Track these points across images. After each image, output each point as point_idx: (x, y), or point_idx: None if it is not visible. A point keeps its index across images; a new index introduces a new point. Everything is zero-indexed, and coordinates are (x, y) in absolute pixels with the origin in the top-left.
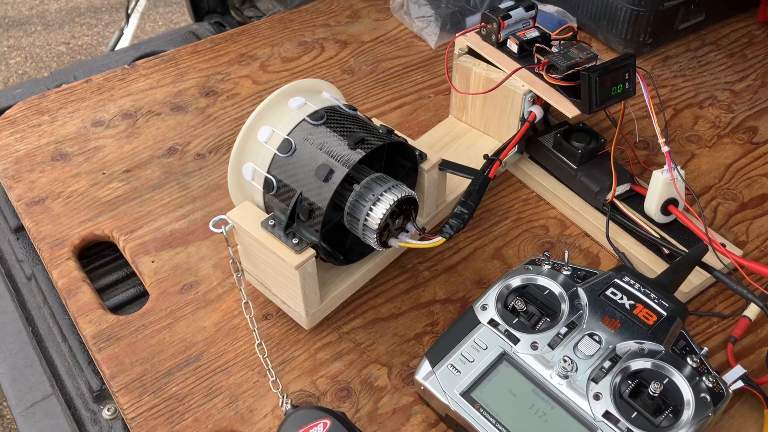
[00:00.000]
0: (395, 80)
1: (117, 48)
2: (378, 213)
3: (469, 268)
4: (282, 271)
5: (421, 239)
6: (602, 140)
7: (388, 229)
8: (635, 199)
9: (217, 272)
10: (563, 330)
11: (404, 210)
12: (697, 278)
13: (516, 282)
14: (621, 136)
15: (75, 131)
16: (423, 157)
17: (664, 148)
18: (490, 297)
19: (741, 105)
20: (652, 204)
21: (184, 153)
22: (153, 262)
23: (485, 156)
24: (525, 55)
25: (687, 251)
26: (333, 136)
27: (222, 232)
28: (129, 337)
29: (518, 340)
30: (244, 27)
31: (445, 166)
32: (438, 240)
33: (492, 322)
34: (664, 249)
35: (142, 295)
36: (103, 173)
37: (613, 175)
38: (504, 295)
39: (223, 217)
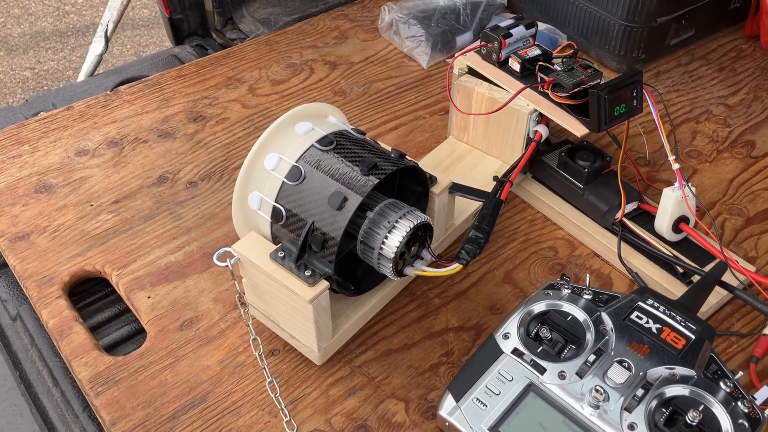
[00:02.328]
0: (388, 101)
1: (94, 74)
2: (394, 241)
3: (481, 293)
4: (293, 305)
5: (437, 266)
6: (608, 158)
7: (403, 258)
8: (643, 217)
9: (217, 306)
10: (591, 357)
11: (419, 237)
12: (713, 297)
13: (538, 308)
14: (624, 153)
15: (58, 161)
16: (433, 180)
17: (675, 165)
18: (512, 325)
19: (737, 119)
20: (664, 222)
21: (175, 181)
22: (149, 297)
23: (495, 178)
24: (527, 74)
25: (704, 270)
26: (344, 162)
27: (227, 266)
28: (128, 379)
29: (545, 370)
30: (229, 49)
31: (456, 189)
32: (455, 267)
33: (516, 352)
34: (678, 268)
35: (138, 333)
36: (91, 205)
37: (622, 194)
38: (526, 322)
39: (228, 249)
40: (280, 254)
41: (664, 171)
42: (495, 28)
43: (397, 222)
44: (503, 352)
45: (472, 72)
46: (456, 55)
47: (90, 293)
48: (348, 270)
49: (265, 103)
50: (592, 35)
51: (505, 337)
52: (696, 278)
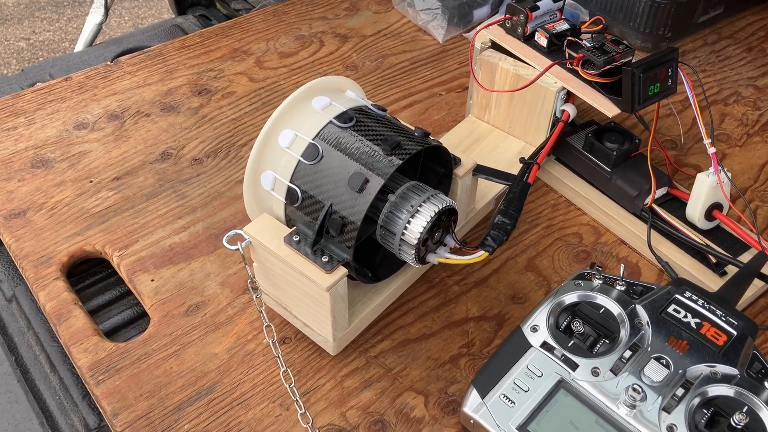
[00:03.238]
0: (402, 77)
1: (94, 44)
2: (417, 226)
3: (502, 281)
4: (308, 292)
5: (462, 254)
6: (636, 140)
7: (426, 244)
8: (673, 203)
9: (225, 291)
10: (627, 353)
11: (443, 222)
12: (748, 289)
13: (569, 299)
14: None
15: (56, 135)
16: (457, 161)
17: (711, 150)
18: (541, 317)
19: (767, 101)
20: (696, 209)
21: (179, 158)
22: (153, 280)
23: (521, 159)
24: (554, 50)
25: (738, 260)
26: (364, 141)
27: (239, 249)
28: (131, 367)
29: (577, 366)
30: (235, 20)
31: (479, 171)
32: (481, 254)
33: (545, 346)
34: (710, 257)
35: (140, 317)
36: (91, 181)
37: (652, 179)
38: (556, 314)
39: (238, 231)
40: (295, 238)
41: (692, 155)
42: (521, 0)
43: (420, 206)
44: (531, 346)
45: (495, 47)
46: (479, 28)
47: (90, 274)
48: (366, 256)
49: (273, 76)
50: (615, 11)
51: (534, 329)
52: (729, 269)
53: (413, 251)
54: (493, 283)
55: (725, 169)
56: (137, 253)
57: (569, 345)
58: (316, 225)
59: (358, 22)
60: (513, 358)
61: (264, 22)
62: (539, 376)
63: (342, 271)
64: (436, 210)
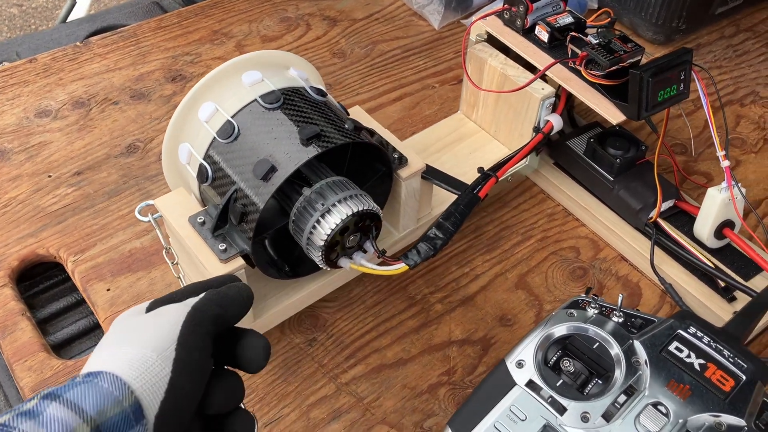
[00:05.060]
0: (394, 66)
1: (69, 19)
2: (326, 227)
3: (490, 299)
4: (206, 277)
5: (381, 264)
6: (643, 147)
7: (340, 246)
8: (679, 217)
9: None
10: (621, 398)
11: (364, 226)
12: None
13: (559, 332)
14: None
15: (15, 122)
16: (403, 161)
17: (724, 163)
18: (527, 351)
19: None
20: (706, 227)
21: (147, 152)
22: (108, 290)
23: (480, 169)
24: (555, 45)
25: (748, 286)
26: (285, 126)
27: (150, 221)
28: None
29: (565, 410)
30: None
31: (429, 174)
32: (399, 267)
33: (531, 385)
34: (719, 281)
35: (95, 328)
36: (49, 176)
37: (658, 191)
38: (544, 348)
39: (150, 203)
40: (200, 219)
41: (702, 161)
42: None
43: (334, 206)
44: (516, 384)
45: (491, 40)
46: (474, 18)
47: (44, 278)
48: (284, 247)
49: None
50: (626, 0)
51: (519, 365)
52: (739, 295)
53: (320, 253)
54: (479, 302)
55: (739, 185)
56: (94, 259)
57: (558, 384)
58: (219, 209)
59: (349, 3)
60: (495, 398)
61: (247, 2)
62: (523, 420)
63: (239, 262)
64: (350, 213)
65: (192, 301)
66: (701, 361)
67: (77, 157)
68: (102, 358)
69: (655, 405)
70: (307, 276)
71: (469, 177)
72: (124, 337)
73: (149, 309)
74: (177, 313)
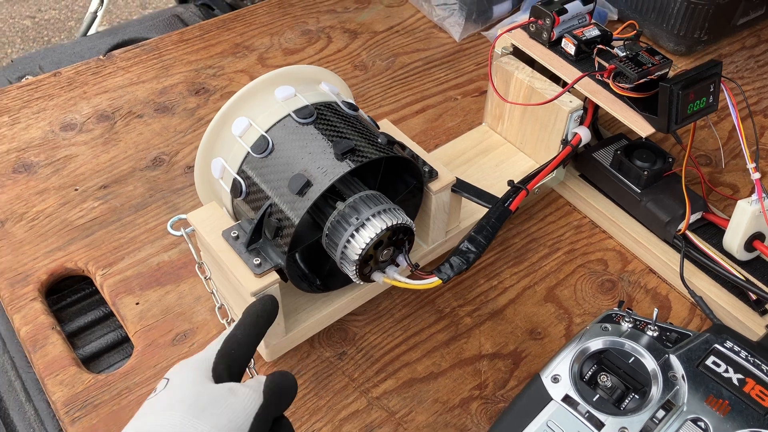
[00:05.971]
0: (415, 78)
1: (89, 33)
2: (360, 241)
3: (519, 313)
4: (240, 292)
5: (413, 277)
6: (670, 159)
7: (373, 260)
8: (708, 229)
9: (215, 318)
10: (660, 413)
11: (397, 240)
12: None
13: (594, 346)
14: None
15: (41, 136)
16: (433, 174)
17: (755, 175)
18: (563, 365)
19: None
20: (736, 239)
21: (172, 165)
22: (137, 304)
23: (510, 182)
24: (582, 58)
25: None
26: (319, 141)
27: (183, 235)
28: (110, 403)
29: (603, 425)
30: (237, 12)
31: (460, 188)
32: (433, 281)
33: (567, 400)
34: (750, 294)
35: (124, 341)
36: (76, 189)
37: (687, 203)
38: (580, 363)
39: (183, 217)
40: (234, 233)
41: (728, 172)
42: (548, 2)
43: (368, 220)
44: (552, 399)
45: (517, 52)
46: (500, 30)
47: (72, 291)
48: (316, 261)
49: None
50: (647, 11)
51: (555, 380)
52: None
53: (354, 267)
54: (509, 315)
55: None
56: (122, 272)
57: (594, 399)
58: (253, 223)
59: (369, 16)
60: (531, 413)
61: (269, 14)
62: None
63: (273, 277)
64: (385, 227)
65: (260, 386)
66: (740, 375)
67: (103, 171)
68: (173, 425)
69: (694, 421)
70: (337, 290)
71: (496, 189)
72: (196, 407)
73: (215, 371)
74: (250, 402)
